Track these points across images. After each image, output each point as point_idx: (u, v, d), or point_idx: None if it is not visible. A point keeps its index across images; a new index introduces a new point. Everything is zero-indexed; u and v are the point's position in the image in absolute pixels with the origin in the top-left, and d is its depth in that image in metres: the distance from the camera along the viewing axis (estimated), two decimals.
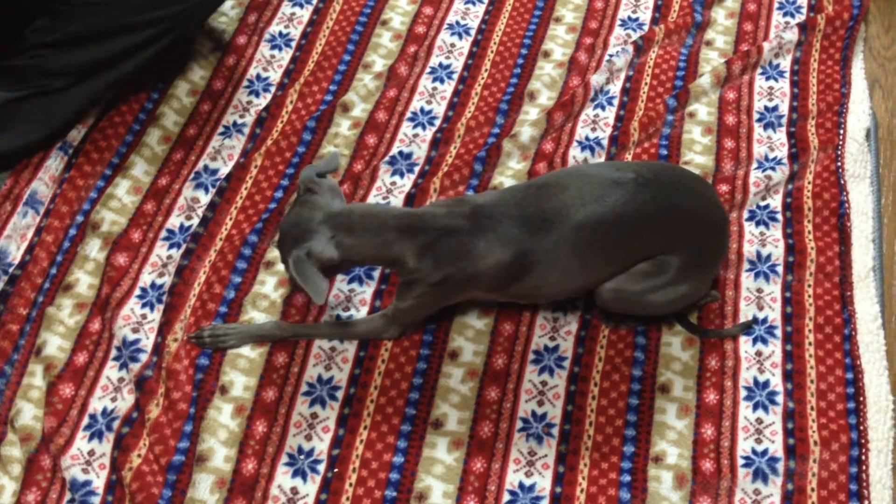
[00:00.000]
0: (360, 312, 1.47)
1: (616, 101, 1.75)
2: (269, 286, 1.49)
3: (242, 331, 1.41)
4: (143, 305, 1.46)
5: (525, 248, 1.26)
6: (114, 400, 1.38)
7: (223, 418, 1.35)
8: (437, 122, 1.72)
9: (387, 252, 1.27)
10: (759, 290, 1.50)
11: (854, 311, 1.48)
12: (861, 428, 1.36)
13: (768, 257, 1.54)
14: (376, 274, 1.51)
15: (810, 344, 1.44)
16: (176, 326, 1.43)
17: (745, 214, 1.60)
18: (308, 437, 1.34)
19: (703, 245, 1.35)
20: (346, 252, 1.26)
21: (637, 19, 1.90)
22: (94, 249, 1.52)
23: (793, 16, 1.91)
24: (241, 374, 1.39)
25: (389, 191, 1.61)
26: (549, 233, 1.26)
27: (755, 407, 1.38)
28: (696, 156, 1.67)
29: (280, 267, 1.51)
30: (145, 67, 1.63)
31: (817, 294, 1.50)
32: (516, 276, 1.29)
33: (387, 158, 1.65)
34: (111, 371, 1.41)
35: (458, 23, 1.88)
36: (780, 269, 1.53)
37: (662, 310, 1.40)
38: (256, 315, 1.45)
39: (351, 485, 1.31)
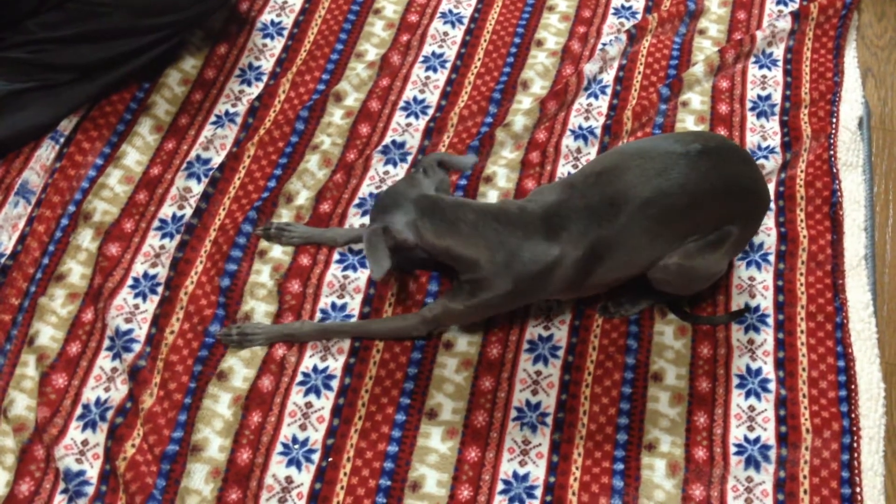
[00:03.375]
0: (355, 301, 1.47)
1: (609, 90, 1.75)
2: (265, 275, 1.48)
3: (270, 330, 1.40)
4: (136, 295, 1.46)
5: (596, 239, 1.23)
6: (107, 390, 1.37)
7: (218, 408, 1.35)
8: (431, 112, 1.72)
9: (463, 250, 1.24)
10: (752, 279, 1.51)
11: (846, 299, 1.48)
12: (853, 416, 1.37)
13: (760, 246, 1.55)
14: None
15: (802, 332, 1.45)
16: (173, 318, 1.42)
17: None
18: (303, 427, 1.35)
19: (755, 218, 1.33)
20: (422, 238, 1.23)
21: (630, 8, 1.90)
22: (86, 239, 1.52)
23: (786, 4, 1.91)
24: (242, 363, 1.39)
25: (382, 180, 1.61)
26: (617, 217, 1.23)
27: (747, 395, 1.39)
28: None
29: (274, 254, 1.50)
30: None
31: (809, 282, 1.50)
32: (588, 272, 1.26)
33: (380, 148, 1.65)
34: (104, 361, 1.40)
35: (450, 11, 1.87)
36: (772, 257, 1.53)
37: (701, 284, 1.38)
38: (255, 304, 1.45)
39: (345, 474, 1.31)
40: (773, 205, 1.60)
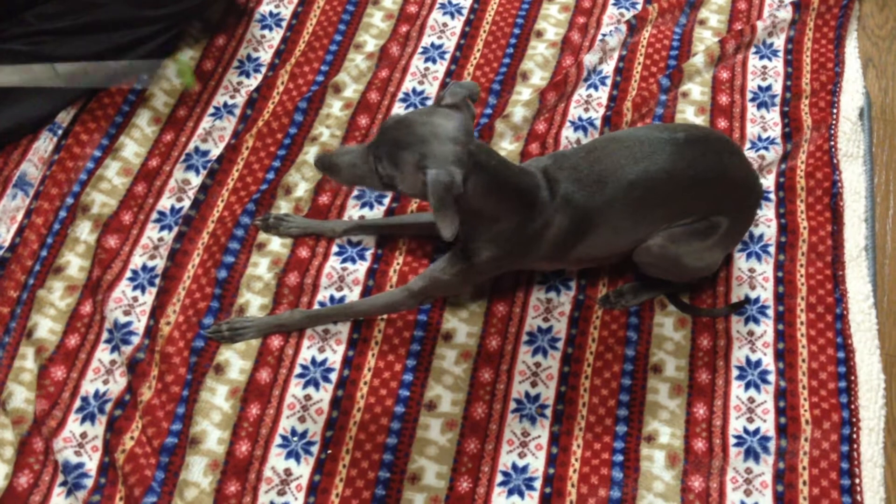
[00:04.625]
0: (353, 293, 1.46)
1: (609, 81, 1.75)
2: (263, 268, 1.48)
3: (261, 322, 1.40)
4: (135, 288, 1.46)
5: (582, 210, 1.25)
6: (106, 382, 1.37)
7: (217, 400, 1.34)
8: (430, 103, 1.71)
9: (488, 212, 1.21)
10: (752, 270, 1.50)
11: (846, 290, 1.48)
12: (852, 407, 1.36)
13: (761, 237, 1.54)
14: (369, 254, 1.51)
15: (802, 323, 1.45)
16: (169, 310, 1.42)
17: None
18: (302, 419, 1.34)
19: (746, 211, 1.34)
20: (469, 194, 1.15)
21: None
22: (84, 231, 1.51)
23: None
24: (237, 356, 1.39)
25: None
26: (603, 192, 1.24)
27: (747, 386, 1.39)
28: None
29: (272, 247, 1.50)
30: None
31: (809, 274, 1.50)
32: (572, 243, 1.28)
33: None
34: (103, 354, 1.40)
35: (450, 2, 1.87)
36: (772, 249, 1.53)
37: (691, 275, 1.39)
38: (251, 297, 1.45)
39: (344, 466, 1.31)
40: (773, 196, 1.59)
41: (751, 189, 1.33)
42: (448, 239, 1.12)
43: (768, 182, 1.61)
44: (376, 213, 1.56)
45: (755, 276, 1.50)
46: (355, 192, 1.58)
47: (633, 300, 1.45)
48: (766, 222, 1.56)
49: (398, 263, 1.50)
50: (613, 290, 1.45)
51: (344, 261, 1.50)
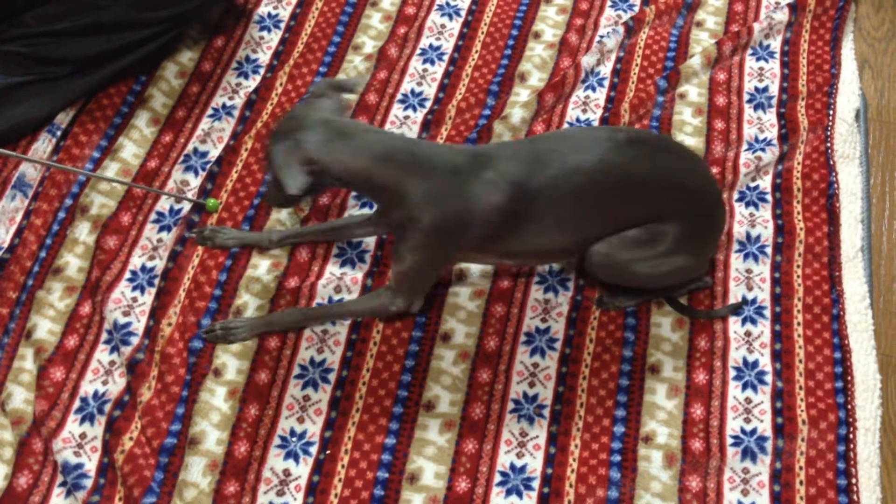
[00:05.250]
0: (353, 294, 1.47)
1: (607, 83, 1.75)
2: (262, 269, 1.48)
3: (253, 322, 1.40)
4: (134, 289, 1.46)
5: (519, 192, 1.23)
6: (105, 383, 1.38)
7: (216, 401, 1.35)
8: (428, 104, 1.72)
9: (381, 177, 1.20)
10: (749, 271, 1.51)
11: (842, 291, 1.49)
12: (849, 407, 1.37)
13: (757, 238, 1.55)
14: (368, 256, 1.51)
15: (799, 324, 1.45)
16: (170, 311, 1.42)
17: (735, 195, 1.60)
18: (300, 420, 1.35)
19: (699, 216, 1.33)
20: (335, 162, 1.17)
21: (627, 0, 1.90)
22: (83, 232, 1.51)
23: None
24: (233, 357, 1.39)
25: None
26: (543, 178, 1.24)
27: (744, 387, 1.39)
28: (687, 137, 1.67)
29: (275, 251, 1.50)
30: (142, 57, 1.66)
31: (806, 274, 1.50)
32: (510, 227, 1.26)
33: None
34: (102, 354, 1.40)
35: (448, 4, 1.87)
36: (769, 249, 1.53)
37: (655, 282, 1.39)
38: (249, 298, 1.45)
39: (343, 466, 1.31)
40: (769, 197, 1.60)
41: (699, 194, 1.32)
42: (295, 192, 1.12)
43: (765, 183, 1.61)
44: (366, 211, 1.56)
45: (752, 276, 1.50)
46: (354, 192, 1.58)
47: (628, 302, 1.45)
48: (763, 223, 1.56)
49: None
50: (608, 291, 1.46)
51: (343, 264, 1.51)
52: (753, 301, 1.48)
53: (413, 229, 1.24)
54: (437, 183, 1.21)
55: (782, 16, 1.83)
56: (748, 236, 1.55)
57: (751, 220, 1.57)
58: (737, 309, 1.46)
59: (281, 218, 1.54)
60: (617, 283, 1.40)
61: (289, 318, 1.41)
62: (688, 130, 1.68)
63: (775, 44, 1.82)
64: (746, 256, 1.53)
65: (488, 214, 1.23)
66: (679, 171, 1.30)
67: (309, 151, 1.16)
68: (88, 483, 1.28)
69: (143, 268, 1.49)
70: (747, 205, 1.59)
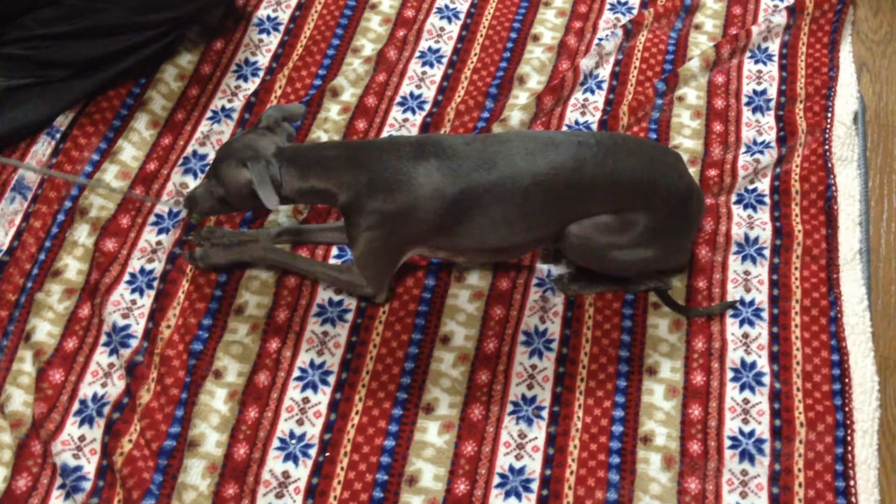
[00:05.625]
0: (352, 297, 1.47)
1: (605, 85, 1.76)
2: (261, 267, 1.49)
3: (229, 250, 1.45)
4: (133, 291, 1.46)
5: (466, 183, 1.27)
6: (104, 385, 1.38)
7: (215, 403, 1.35)
8: (427, 107, 1.72)
9: (324, 182, 1.30)
10: (747, 273, 1.51)
11: (840, 293, 1.49)
12: (847, 409, 1.37)
13: (756, 240, 1.55)
14: None
15: (797, 326, 1.46)
16: (169, 313, 1.43)
17: (734, 198, 1.60)
18: (300, 422, 1.35)
19: (665, 211, 1.34)
20: (287, 184, 1.30)
21: (626, 3, 1.90)
22: (82, 235, 1.52)
23: None
24: (233, 359, 1.39)
25: None
26: (490, 173, 1.28)
27: (742, 388, 1.39)
28: (685, 139, 1.68)
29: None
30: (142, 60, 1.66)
31: (804, 276, 1.51)
32: (456, 219, 1.29)
33: None
34: (101, 357, 1.41)
35: (447, 6, 1.87)
36: (767, 251, 1.54)
37: (626, 270, 1.40)
38: (249, 297, 1.45)
39: (342, 469, 1.31)
40: (767, 199, 1.60)
41: (665, 189, 1.33)
42: (272, 208, 1.26)
43: (763, 185, 1.62)
44: None
45: (750, 278, 1.51)
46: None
47: (587, 289, 1.46)
48: (762, 225, 1.57)
49: None
50: (569, 273, 1.46)
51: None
52: (751, 303, 1.48)
53: (359, 214, 1.30)
54: (378, 176, 1.28)
55: (780, 19, 1.84)
56: (746, 238, 1.55)
57: (749, 223, 1.57)
58: (730, 307, 1.46)
59: (279, 219, 1.54)
60: (590, 267, 1.41)
61: (262, 255, 1.45)
62: (686, 133, 1.69)
63: (774, 47, 1.83)
64: (745, 258, 1.53)
65: (430, 203, 1.28)
66: (639, 169, 1.31)
67: (273, 170, 1.28)
68: (87, 485, 1.28)
69: (143, 270, 1.49)
70: (745, 207, 1.59)
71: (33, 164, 1.59)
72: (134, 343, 1.40)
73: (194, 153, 1.63)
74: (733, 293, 1.49)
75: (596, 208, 1.32)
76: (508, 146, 1.30)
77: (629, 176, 1.31)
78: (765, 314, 1.47)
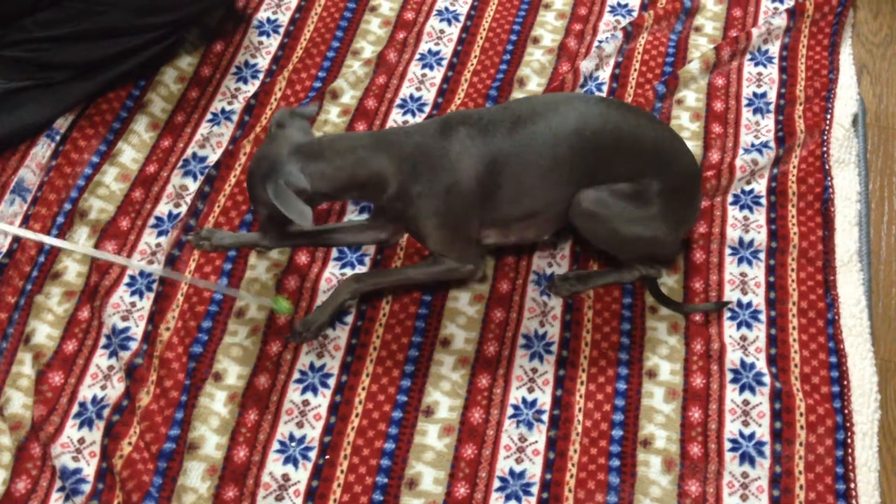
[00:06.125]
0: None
1: (605, 88, 1.76)
2: (261, 269, 1.49)
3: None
4: (133, 293, 1.46)
5: (499, 144, 1.28)
6: (104, 388, 1.38)
7: (215, 406, 1.35)
8: (427, 109, 1.72)
9: (362, 172, 1.26)
10: (743, 275, 1.51)
11: (837, 295, 1.49)
12: (846, 411, 1.37)
13: (751, 242, 1.55)
14: (368, 259, 1.51)
15: (794, 328, 1.46)
16: (168, 315, 1.42)
17: (730, 198, 1.60)
18: (300, 425, 1.35)
19: (679, 183, 1.36)
20: (317, 181, 1.24)
21: (626, 5, 1.90)
22: (82, 237, 1.52)
23: (781, 1, 1.92)
24: (234, 362, 1.39)
25: None
26: (520, 132, 1.29)
27: (742, 389, 1.39)
28: (685, 141, 1.68)
29: (273, 254, 1.50)
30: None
31: (801, 279, 1.51)
32: (497, 182, 1.29)
33: None
34: (101, 359, 1.40)
35: (447, 9, 1.87)
36: (762, 254, 1.54)
37: (630, 245, 1.40)
38: (250, 297, 1.45)
39: (342, 471, 1.31)
40: (764, 200, 1.60)
41: (678, 162, 1.35)
42: (306, 224, 1.21)
43: (760, 187, 1.62)
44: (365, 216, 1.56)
45: (747, 280, 1.51)
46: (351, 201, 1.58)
47: (579, 286, 1.46)
48: (757, 228, 1.57)
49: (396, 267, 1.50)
50: (559, 276, 1.47)
51: (343, 266, 1.51)
52: (748, 305, 1.48)
53: (409, 205, 1.29)
54: (416, 159, 1.27)
55: (781, 21, 1.84)
56: (741, 241, 1.55)
57: (744, 224, 1.57)
58: (723, 306, 1.46)
59: None
60: (594, 239, 1.40)
61: (349, 291, 1.40)
62: (685, 135, 1.69)
63: (774, 49, 1.83)
64: (741, 260, 1.53)
65: (470, 169, 1.28)
66: (659, 137, 1.35)
67: (297, 185, 1.22)
68: (87, 488, 1.28)
69: (142, 272, 1.49)
70: (741, 208, 1.59)
71: (33, 167, 1.58)
72: (133, 345, 1.40)
73: (194, 155, 1.63)
74: (730, 295, 1.49)
75: (617, 168, 1.32)
76: (532, 104, 1.32)
77: (652, 138, 1.33)
78: (762, 316, 1.47)
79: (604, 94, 1.74)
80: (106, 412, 1.35)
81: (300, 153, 1.24)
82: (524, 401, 1.38)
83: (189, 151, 1.64)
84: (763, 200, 1.60)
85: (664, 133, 1.37)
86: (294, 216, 1.20)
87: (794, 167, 1.64)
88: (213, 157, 1.64)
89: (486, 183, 1.29)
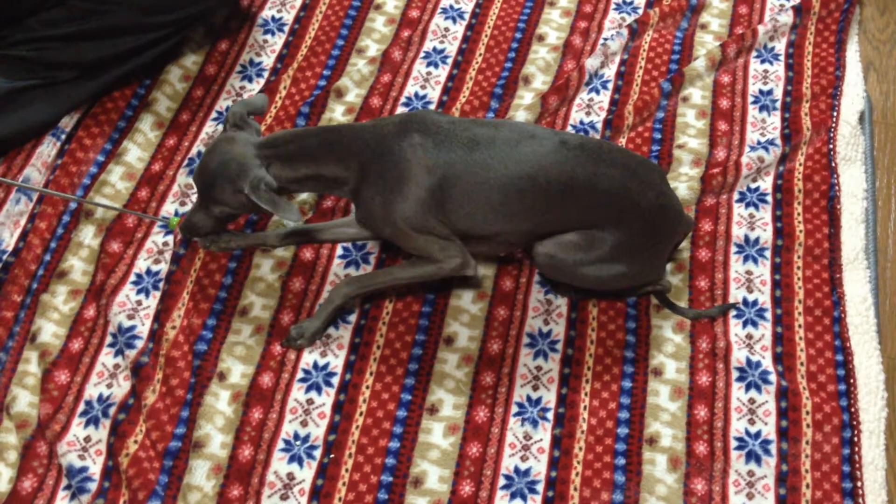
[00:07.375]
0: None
1: (611, 85, 1.75)
2: (266, 268, 1.49)
3: (315, 321, 1.40)
4: (139, 292, 1.46)
5: (448, 159, 1.27)
6: (109, 386, 1.38)
7: (220, 405, 1.35)
8: (432, 108, 1.72)
9: (316, 171, 1.29)
10: (749, 273, 1.51)
11: (843, 293, 1.48)
12: (852, 410, 1.37)
13: (757, 240, 1.54)
14: (373, 258, 1.51)
15: (800, 327, 1.45)
16: (174, 314, 1.43)
17: (735, 196, 1.60)
18: (304, 424, 1.35)
19: (635, 227, 1.32)
20: (282, 178, 1.29)
21: (632, 3, 1.90)
22: (88, 236, 1.52)
23: None
24: (238, 361, 1.39)
25: None
26: (472, 154, 1.28)
27: (748, 387, 1.39)
28: (690, 139, 1.67)
29: (279, 252, 1.51)
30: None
31: (806, 277, 1.50)
32: (447, 195, 1.28)
33: None
34: (107, 358, 1.41)
35: (451, 7, 1.87)
36: (768, 252, 1.53)
37: (600, 285, 1.39)
38: (254, 298, 1.45)
39: (347, 470, 1.31)
40: (770, 198, 1.59)
41: (636, 205, 1.31)
42: (298, 221, 1.25)
43: (766, 184, 1.61)
44: None
45: (752, 278, 1.50)
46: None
47: (584, 295, 1.46)
48: (763, 226, 1.56)
49: None
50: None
51: (348, 265, 1.51)
52: (754, 303, 1.47)
53: (367, 204, 1.30)
54: (366, 155, 1.28)
55: (787, 18, 1.83)
56: (747, 238, 1.55)
57: (750, 222, 1.57)
58: (730, 309, 1.46)
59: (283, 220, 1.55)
60: (567, 282, 1.40)
61: (343, 294, 1.39)
62: (691, 133, 1.68)
63: (780, 46, 1.82)
64: (746, 258, 1.52)
65: (419, 176, 1.27)
66: (615, 181, 1.30)
67: (270, 185, 1.26)
68: (93, 486, 1.28)
69: (148, 271, 1.49)
70: (747, 206, 1.59)
71: (38, 165, 1.59)
72: (139, 344, 1.40)
73: (199, 154, 1.63)
74: (736, 294, 1.48)
75: (569, 216, 1.31)
76: (492, 131, 1.30)
77: (607, 184, 1.29)
78: (768, 314, 1.46)
79: (607, 94, 1.74)
80: (112, 410, 1.35)
81: (263, 155, 1.28)
82: (529, 399, 1.38)
83: (194, 150, 1.64)
84: (769, 198, 1.59)
85: (623, 178, 1.30)
86: (282, 214, 1.23)
87: (800, 164, 1.64)
88: None
89: (437, 195, 1.28)
